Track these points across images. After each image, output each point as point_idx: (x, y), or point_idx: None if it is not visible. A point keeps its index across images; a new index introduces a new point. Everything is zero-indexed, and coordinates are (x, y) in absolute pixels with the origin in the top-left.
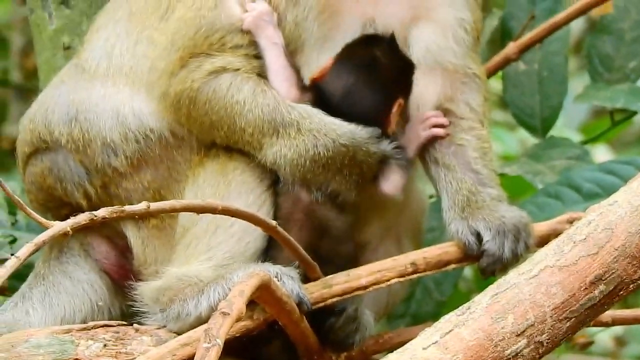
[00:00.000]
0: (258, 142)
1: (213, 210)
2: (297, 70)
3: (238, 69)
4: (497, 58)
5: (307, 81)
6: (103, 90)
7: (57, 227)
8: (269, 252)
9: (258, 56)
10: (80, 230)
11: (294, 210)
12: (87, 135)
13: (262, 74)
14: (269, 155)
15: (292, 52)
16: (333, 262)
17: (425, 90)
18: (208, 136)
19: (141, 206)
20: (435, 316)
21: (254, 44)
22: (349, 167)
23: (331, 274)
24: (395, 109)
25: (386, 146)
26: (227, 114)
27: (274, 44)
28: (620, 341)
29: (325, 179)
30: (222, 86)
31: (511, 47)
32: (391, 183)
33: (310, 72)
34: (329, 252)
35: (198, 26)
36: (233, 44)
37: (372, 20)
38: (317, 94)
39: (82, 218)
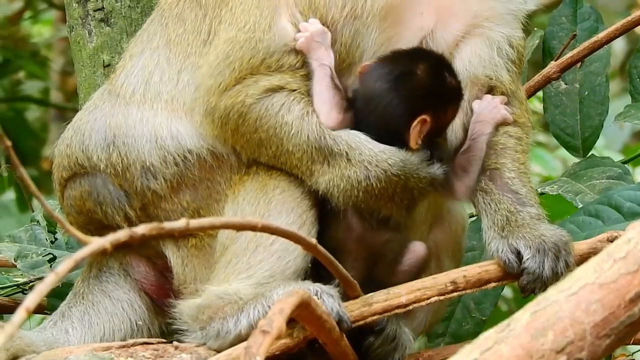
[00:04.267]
0: (308, 169)
1: (253, 228)
2: (342, 92)
3: (294, 90)
4: (538, 77)
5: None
6: (140, 114)
7: (96, 243)
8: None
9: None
10: (120, 250)
11: (347, 241)
12: (126, 159)
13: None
14: (321, 184)
15: (348, 66)
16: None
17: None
18: (254, 153)
19: (180, 223)
20: (475, 335)
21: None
22: (401, 193)
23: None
24: (416, 123)
25: (435, 169)
26: (276, 134)
27: (321, 65)
28: None
29: (378, 206)
30: (274, 105)
31: (552, 67)
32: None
33: None
34: (384, 275)
35: (254, 50)
36: (290, 64)
37: (431, 34)
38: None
39: (122, 235)
